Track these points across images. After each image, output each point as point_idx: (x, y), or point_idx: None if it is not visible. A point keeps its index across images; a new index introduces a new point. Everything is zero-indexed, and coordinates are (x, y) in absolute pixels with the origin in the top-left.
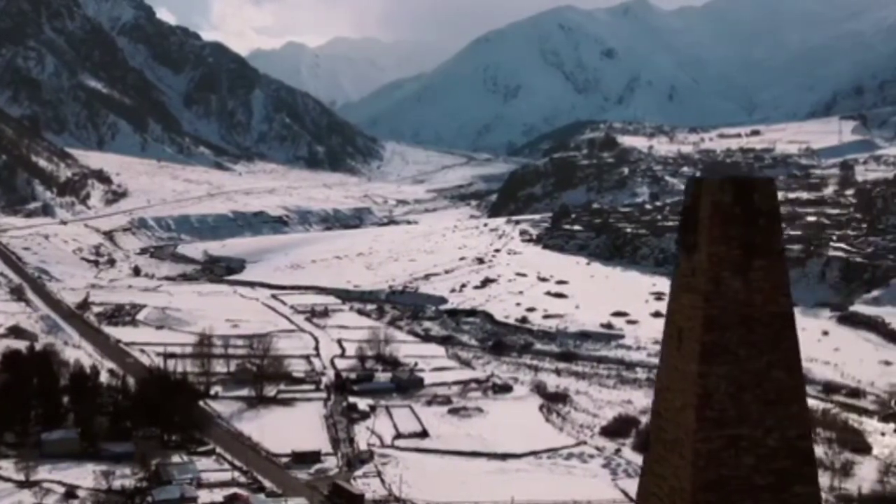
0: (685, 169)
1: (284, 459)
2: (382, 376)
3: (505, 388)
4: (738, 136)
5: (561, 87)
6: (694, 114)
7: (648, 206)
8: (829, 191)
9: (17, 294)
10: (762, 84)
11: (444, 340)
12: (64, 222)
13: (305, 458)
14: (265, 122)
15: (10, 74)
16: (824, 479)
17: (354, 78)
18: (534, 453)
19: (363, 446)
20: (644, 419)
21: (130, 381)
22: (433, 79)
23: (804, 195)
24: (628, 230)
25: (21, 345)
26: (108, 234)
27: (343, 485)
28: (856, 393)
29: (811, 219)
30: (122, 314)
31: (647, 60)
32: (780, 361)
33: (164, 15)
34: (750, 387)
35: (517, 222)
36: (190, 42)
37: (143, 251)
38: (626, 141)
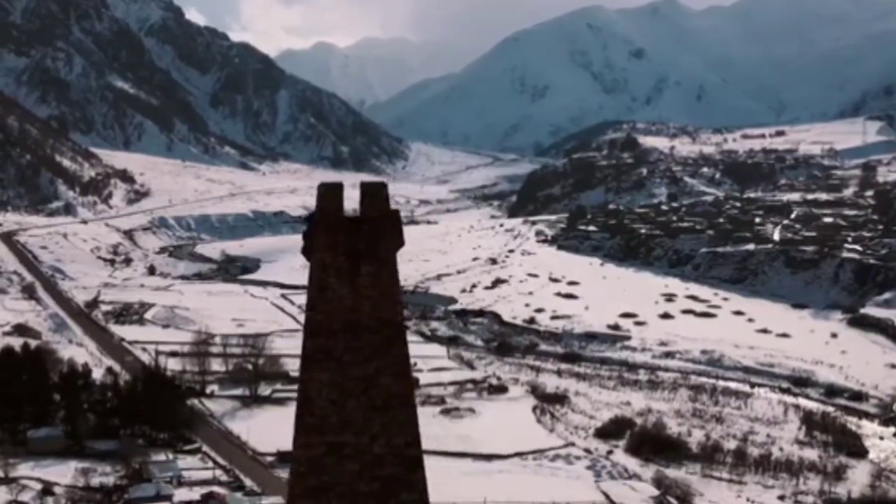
0: (705, 170)
1: (270, 458)
2: None
3: (500, 389)
4: (762, 136)
5: (589, 87)
6: (722, 114)
7: (664, 207)
8: (848, 192)
9: (29, 292)
10: (791, 84)
11: (450, 341)
12: (85, 221)
13: (290, 458)
14: (290, 123)
15: (39, 75)
16: (815, 483)
17: (383, 78)
18: (520, 454)
19: None
20: (640, 421)
21: (127, 378)
22: (461, 79)
23: (823, 196)
24: (643, 231)
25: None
26: (129, 234)
27: None
28: (858, 396)
29: (828, 220)
30: (130, 313)
31: (675, 60)
32: (389, 368)
33: (194, 16)
34: (356, 393)
35: (533, 223)
36: (217, 42)
37: (162, 250)
38: (648, 141)
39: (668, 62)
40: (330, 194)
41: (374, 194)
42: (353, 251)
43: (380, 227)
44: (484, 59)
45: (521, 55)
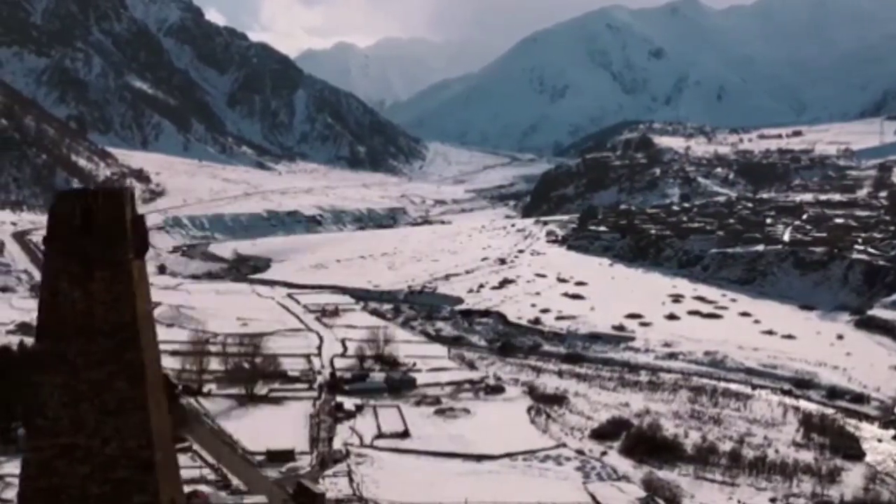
0: (719, 170)
1: (259, 458)
2: (378, 376)
3: (497, 390)
4: (779, 136)
5: (608, 87)
6: (742, 114)
7: (676, 208)
8: (862, 192)
9: (37, 291)
10: (812, 84)
11: (453, 341)
12: None
13: (279, 457)
14: (307, 122)
15: (59, 75)
16: (809, 486)
17: (403, 78)
18: (510, 455)
19: (339, 445)
20: (637, 422)
21: None
22: (480, 79)
23: (836, 197)
24: (653, 231)
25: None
26: None
27: (306, 483)
28: (860, 398)
29: (839, 221)
30: None
31: (695, 60)
32: (123, 372)
33: (214, 16)
34: (88, 397)
35: (545, 223)
36: (235, 42)
37: (175, 249)
38: (664, 142)
39: (688, 62)
40: (64, 200)
41: (108, 200)
42: (87, 256)
43: (115, 233)
44: (503, 59)
45: (540, 55)
